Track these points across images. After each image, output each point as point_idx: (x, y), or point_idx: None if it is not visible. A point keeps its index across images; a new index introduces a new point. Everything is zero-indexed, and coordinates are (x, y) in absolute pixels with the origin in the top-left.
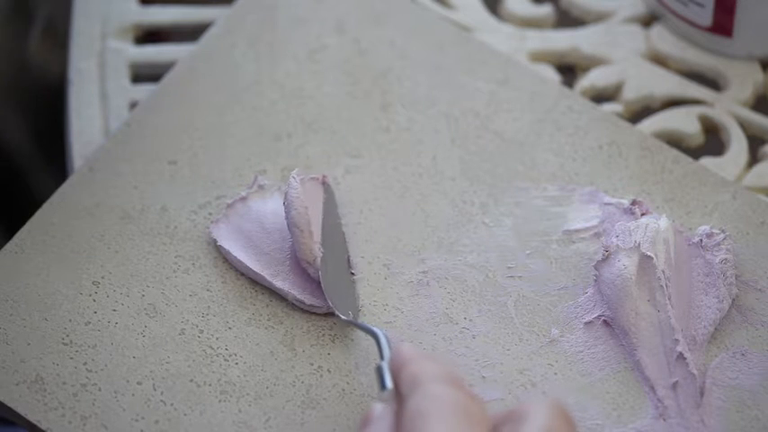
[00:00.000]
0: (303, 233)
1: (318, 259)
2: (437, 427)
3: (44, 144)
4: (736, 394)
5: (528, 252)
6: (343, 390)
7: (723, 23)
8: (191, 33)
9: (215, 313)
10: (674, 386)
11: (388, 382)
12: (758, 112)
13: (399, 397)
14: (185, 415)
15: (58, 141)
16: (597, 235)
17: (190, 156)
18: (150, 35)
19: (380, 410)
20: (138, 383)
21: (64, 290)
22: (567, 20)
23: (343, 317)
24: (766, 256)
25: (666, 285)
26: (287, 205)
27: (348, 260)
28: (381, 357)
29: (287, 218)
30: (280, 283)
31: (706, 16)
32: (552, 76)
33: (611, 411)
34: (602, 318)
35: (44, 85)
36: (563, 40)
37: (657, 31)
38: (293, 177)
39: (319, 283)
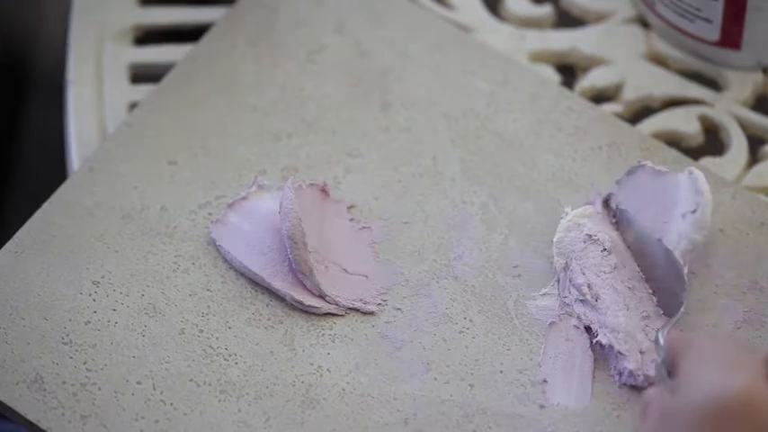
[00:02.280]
0: (297, 245)
1: (314, 270)
2: (709, 364)
3: None
4: None
5: (528, 252)
6: (343, 390)
7: (731, 37)
8: (191, 33)
9: (215, 313)
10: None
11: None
12: (758, 112)
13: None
14: (185, 415)
15: None
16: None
17: (190, 156)
18: (150, 35)
19: (655, 391)
20: (138, 383)
21: (64, 290)
22: (566, 20)
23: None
24: (766, 256)
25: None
26: (281, 217)
27: None
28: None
29: (282, 229)
30: (278, 284)
31: (714, 31)
32: (552, 76)
33: (612, 411)
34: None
35: None
36: (563, 40)
37: None
38: (288, 187)
39: (318, 284)
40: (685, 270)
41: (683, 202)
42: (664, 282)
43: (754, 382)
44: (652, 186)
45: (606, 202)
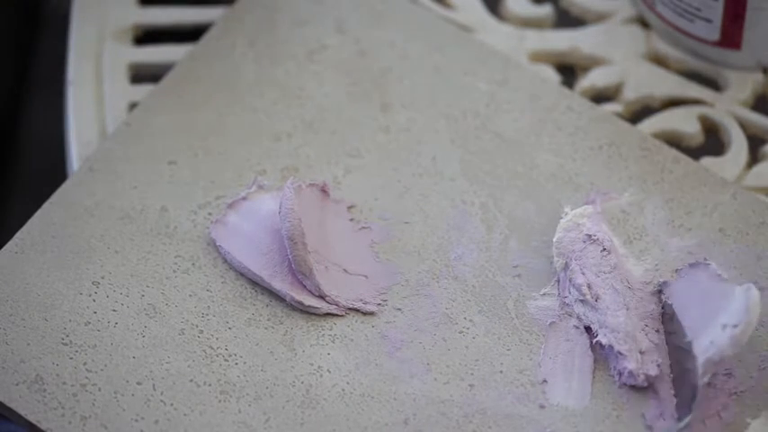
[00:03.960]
0: (297, 245)
1: (314, 271)
2: None
3: None
4: None
5: (528, 252)
6: (343, 390)
7: (732, 36)
8: (191, 33)
9: (215, 313)
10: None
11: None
12: (758, 112)
13: None
14: (185, 415)
15: None
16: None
17: (190, 156)
18: (150, 35)
19: None
20: (138, 383)
21: (64, 290)
22: (566, 20)
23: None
24: (766, 256)
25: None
26: (281, 217)
27: None
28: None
29: (281, 230)
30: (278, 284)
31: (714, 31)
32: (552, 76)
33: (612, 411)
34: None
35: None
36: (563, 40)
37: None
38: (288, 187)
39: (318, 284)
40: (705, 380)
41: (728, 314)
42: (682, 384)
43: None
44: (706, 287)
45: (659, 292)
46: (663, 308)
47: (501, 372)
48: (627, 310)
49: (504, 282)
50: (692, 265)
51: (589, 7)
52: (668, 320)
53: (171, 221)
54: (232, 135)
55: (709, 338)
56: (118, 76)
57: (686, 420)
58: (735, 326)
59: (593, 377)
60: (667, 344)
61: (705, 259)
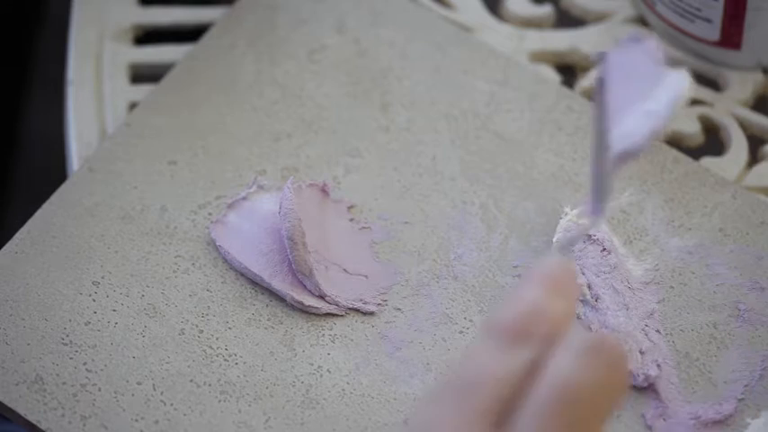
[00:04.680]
0: (297, 245)
1: (314, 271)
2: None
3: None
4: None
5: (528, 252)
6: (343, 390)
7: (732, 36)
8: (191, 33)
9: (215, 313)
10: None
11: None
12: (758, 112)
13: None
14: (185, 415)
15: None
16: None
17: (190, 156)
18: (150, 35)
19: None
20: (138, 383)
21: (64, 290)
22: (566, 20)
23: None
24: (766, 256)
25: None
26: (281, 217)
27: None
28: None
29: (281, 230)
30: (278, 284)
31: (714, 31)
32: (552, 76)
33: None
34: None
35: None
36: (563, 40)
37: None
38: (288, 187)
39: (318, 284)
40: (617, 170)
41: (653, 101)
42: (596, 180)
43: None
44: (644, 65)
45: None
46: (599, 79)
47: None
48: (627, 310)
49: (504, 282)
50: (631, 39)
51: (589, 7)
52: (598, 94)
53: (171, 221)
54: (232, 135)
55: (631, 125)
56: (118, 76)
57: (595, 221)
58: (657, 115)
59: None
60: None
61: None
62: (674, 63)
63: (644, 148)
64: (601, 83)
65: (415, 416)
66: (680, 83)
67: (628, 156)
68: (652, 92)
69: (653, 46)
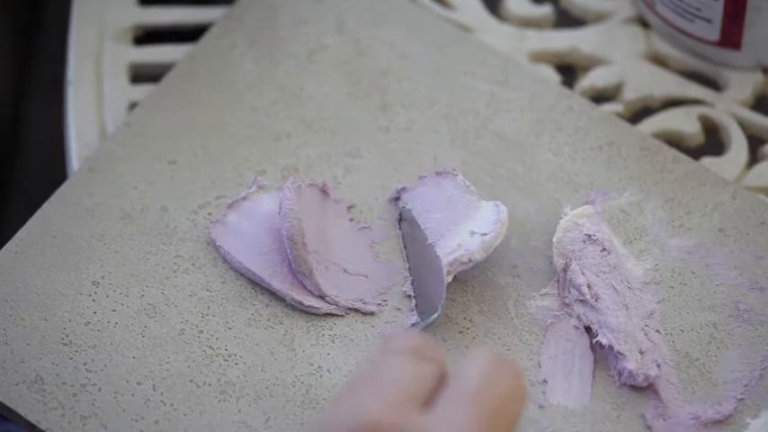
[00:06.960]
0: (297, 245)
1: (314, 271)
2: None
3: None
4: None
5: (528, 252)
6: None
7: (731, 36)
8: (191, 33)
9: (215, 313)
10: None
11: None
12: (758, 112)
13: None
14: (185, 415)
15: None
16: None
17: (190, 156)
18: (150, 35)
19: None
20: (138, 383)
21: (64, 290)
22: (566, 20)
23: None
24: (766, 256)
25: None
26: (281, 217)
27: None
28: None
29: (281, 230)
30: (278, 284)
31: (714, 31)
32: (552, 76)
33: (611, 411)
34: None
35: None
36: (563, 40)
37: None
38: (287, 187)
39: (318, 285)
40: (449, 278)
41: (476, 223)
42: (426, 284)
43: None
44: (451, 196)
45: (396, 199)
46: (400, 214)
47: None
48: (627, 310)
49: (504, 282)
50: (438, 174)
51: (589, 7)
52: (406, 225)
53: (171, 221)
54: (232, 135)
55: (456, 242)
56: (118, 76)
57: (434, 317)
58: (484, 234)
59: (593, 377)
60: (406, 248)
61: (454, 170)
62: (674, 63)
63: (476, 259)
64: (407, 213)
65: (335, 405)
66: (499, 210)
67: (459, 264)
68: (471, 216)
69: (462, 179)
